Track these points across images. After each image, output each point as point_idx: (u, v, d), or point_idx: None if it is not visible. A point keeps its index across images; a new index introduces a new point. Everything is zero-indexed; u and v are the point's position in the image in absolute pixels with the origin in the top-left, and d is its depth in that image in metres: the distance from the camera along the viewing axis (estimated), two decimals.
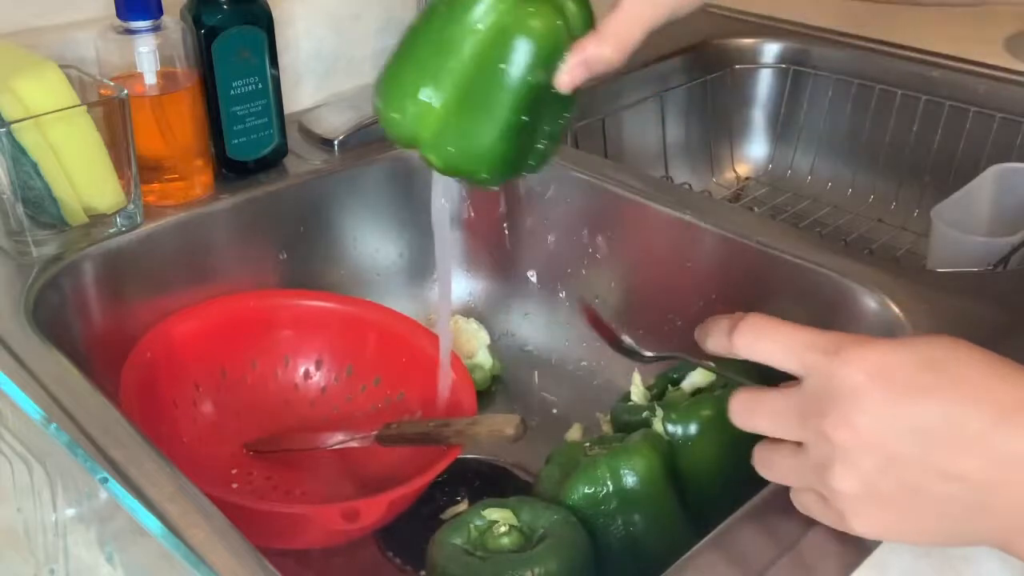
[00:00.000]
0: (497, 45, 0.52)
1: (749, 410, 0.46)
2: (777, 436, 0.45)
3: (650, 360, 0.63)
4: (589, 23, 0.53)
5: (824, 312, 0.69)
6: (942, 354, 0.41)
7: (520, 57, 0.51)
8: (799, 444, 0.44)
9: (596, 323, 0.67)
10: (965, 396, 0.39)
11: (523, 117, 0.53)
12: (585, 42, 0.52)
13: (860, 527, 0.43)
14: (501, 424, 0.63)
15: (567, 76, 0.52)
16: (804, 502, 0.46)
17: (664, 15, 0.54)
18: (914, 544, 0.45)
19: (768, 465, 0.47)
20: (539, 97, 0.53)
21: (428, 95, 0.53)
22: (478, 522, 0.58)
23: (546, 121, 0.56)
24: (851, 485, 0.41)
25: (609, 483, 0.58)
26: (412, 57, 0.54)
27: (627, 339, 0.64)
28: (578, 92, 0.54)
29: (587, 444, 0.62)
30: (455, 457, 0.66)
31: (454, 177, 0.58)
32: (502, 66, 0.52)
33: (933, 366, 0.40)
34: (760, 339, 0.45)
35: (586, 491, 0.58)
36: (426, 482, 0.63)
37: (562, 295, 0.89)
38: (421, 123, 0.54)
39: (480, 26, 0.52)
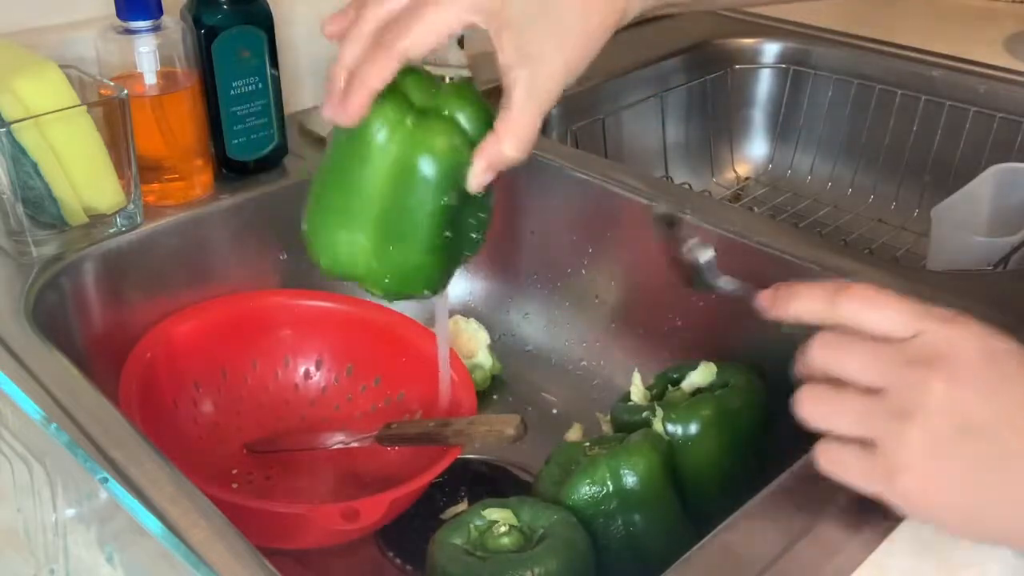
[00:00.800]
0: (403, 175, 0.52)
1: (841, 346, 0.45)
2: (863, 374, 0.44)
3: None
4: (487, 122, 0.53)
5: None
6: None
7: (428, 182, 0.52)
8: (871, 392, 0.44)
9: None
10: None
11: (446, 233, 0.54)
12: (486, 145, 0.51)
13: (907, 484, 0.42)
14: (501, 424, 0.63)
15: (476, 181, 0.52)
16: (839, 455, 0.45)
17: (554, 94, 0.53)
18: (941, 523, 0.44)
19: (825, 401, 0.45)
20: (456, 207, 0.54)
21: (351, 238, 0.54)
22: (478, 522, 0.58)
23: (470, 217, 0.56)
24: (924, 438, 0.41)
25: (609, 483, 0.58)
26: (327, 201, 0.55)
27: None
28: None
29: (587, 444, 0.62)
30: (455, 457, 0.66)
31: (397, 299, 0.58)
32: (413, 194, 0.52)
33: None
34: (871, 307, 0.45)
35: (586, 491, 0.58)
36: (426, 482, 0.63)
37: (562, 297, 0.89)
38: (352, 263, 0.55)
39: (382, 160, 0.52)
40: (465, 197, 0.54)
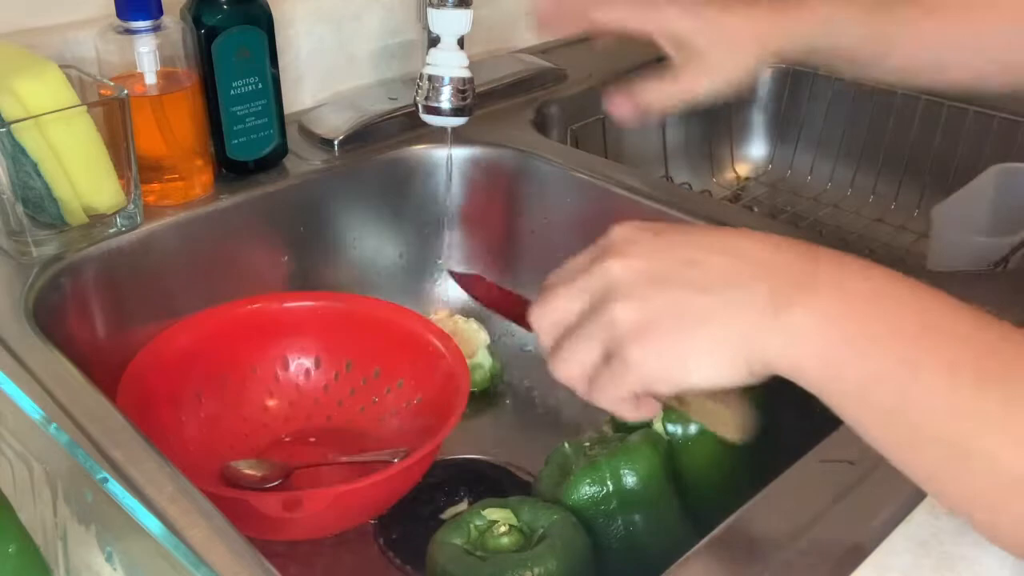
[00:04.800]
0: None
1: (543, 300, 0.47)
2: (570, 303, 0.46)
3: None
4: None
5: None
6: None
7: None
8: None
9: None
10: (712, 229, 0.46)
11: None
12: None
13: (636, 354, 0.43)
14: (723, 420, 0.52)
15: None
16: (598, 385, 0.46)
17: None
18: (680, 377, 0.43)
19: (560, 355, 0.46)
20: None
21: None
22: (478, 522, 0.58)
23: None
24: (626, 307, 0.43)
25: (609, 483, 0.58)
26: None
27: None
28: None
29: (587, 444, 0.62)
30: (431, 459, 0.67)
31: None
32: None
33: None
34: (554, 299, 0.47)
35: (586, 491, 0.58)
36: (377, 481, 0.62)
37: None
38: None
39: None
40: None
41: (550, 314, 0.47)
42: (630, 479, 0.58)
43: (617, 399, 0.46)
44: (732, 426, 0.46)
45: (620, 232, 0.47)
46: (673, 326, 0.43)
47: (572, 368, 0.46)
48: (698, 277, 0.43)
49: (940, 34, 0.64)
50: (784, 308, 0.41)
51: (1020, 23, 0.63)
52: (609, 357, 0.44)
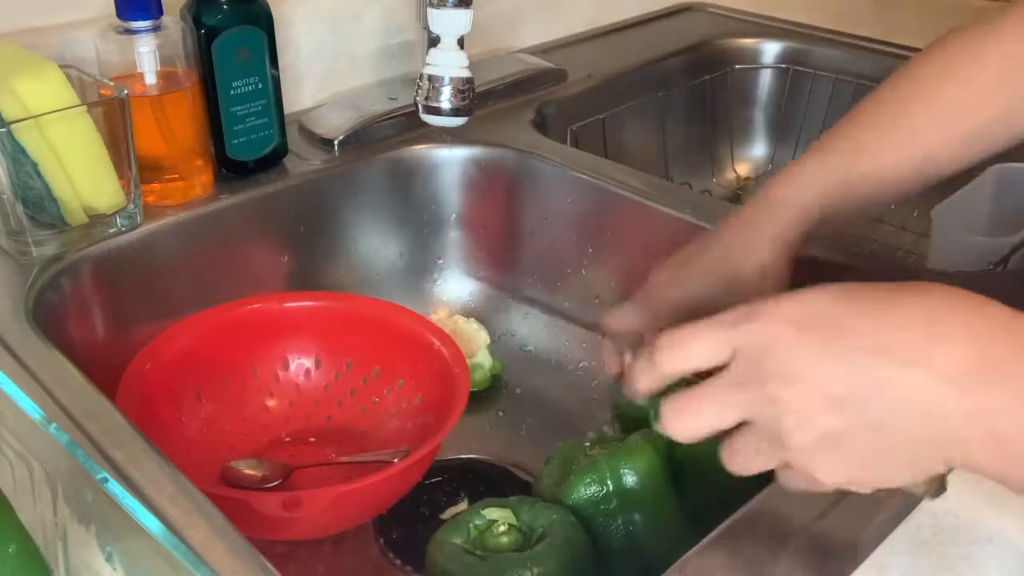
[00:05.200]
0: None
1: (689, 410, 0.43)
2: (725, 425, 0.43)
3: None
4: None
5: None
6: (834, 295, 0.42)
7: None
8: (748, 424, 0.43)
9: None
10: (881, 330, 0.40)
11: None
12: None
13: (825, 476, 0.42)
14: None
15: None
16: (783, 477, 0.44)
17: None
18: (878, 484, 0.43)
19: (737, 458, 0.44)
20: None
21: None
22: (477, 521, 0.58)
23: None
24: (808, 437, 0.41)
25: (609, 482, 0.58)
26: None
27: None
28: None
29: (587, 444, 0.62)
30: (431, 459, 0.67)
31: None
32: None
33: (839, 304, 0.41)
34: (681, 347, 0.44)
35: (586, 490, 0.58)
36: (376, 481, 0.63)
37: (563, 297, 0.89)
38: None
39: None
40: None
41: (693, 427, 0.44)
42: (630, 478, 0.58)
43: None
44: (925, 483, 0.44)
45: (766, 341, 0.42)
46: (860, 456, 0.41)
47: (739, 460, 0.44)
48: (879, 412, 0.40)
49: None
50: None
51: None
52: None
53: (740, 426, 0.43)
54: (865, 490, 0.43)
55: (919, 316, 0.41)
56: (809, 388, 0.40)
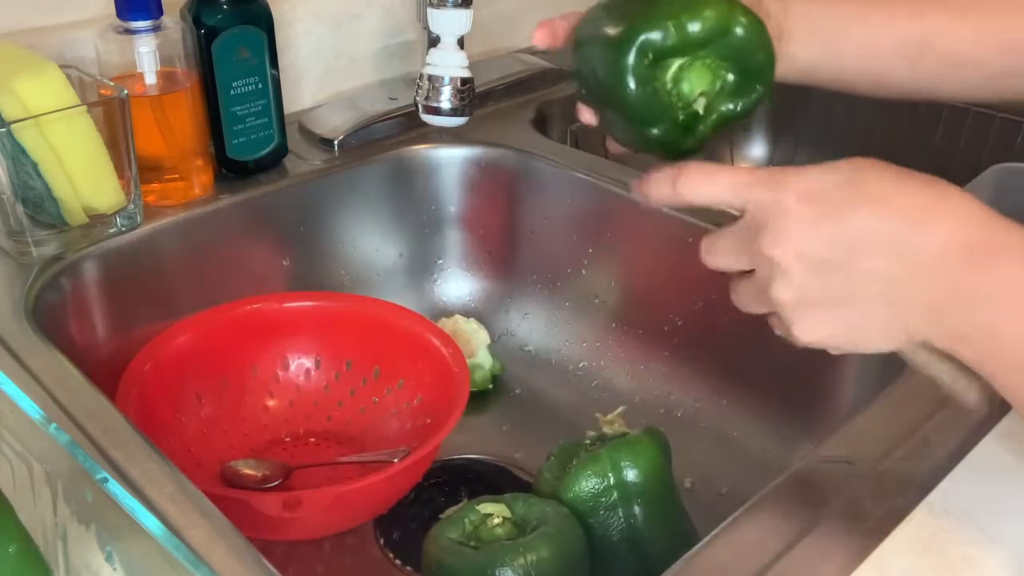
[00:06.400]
0: None
1: (710, 250, 0.49)
2: (733, 269, 0.49)
3: None
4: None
5: None
6: (861, 175, 0.45)
7: None
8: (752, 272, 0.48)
9: None
10: (881, 208, 0.44)
11: None
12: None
13: (801, 334, 0.46)
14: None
15: None
16: (773, 324, 0.49)
17: None
18: (851, 347, 0.47)
19: (739, 300, 0.50)
20: None
21: None
22: (472, 516, 0.58)
23: None
24: (787, 295, 0.45)
25: (610, 476, 0.58)
26: None
27: None
28: None
29: (587, 441, 0.62)
30: (431, 458, 0.67)
31: None
32: None
33: (854, 184, 0.45)
34: (706, 183, 0.48)
35: (587, 483, 0.58)
36: (377, 481, 0.63)
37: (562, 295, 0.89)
38: None
39: None
40: None
41: (713, 265, 0.50)
42: (631, 472, 0.58)
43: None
44: (974, 389, 0.45)
45: (775, 204, 0.46)
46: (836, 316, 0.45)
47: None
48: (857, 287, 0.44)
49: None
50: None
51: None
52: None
53: (750, 272, 0.48)
54: (842, 351, 0.47)
55: (917, 203, 0.44)
56: (792, 250, 0.45)
